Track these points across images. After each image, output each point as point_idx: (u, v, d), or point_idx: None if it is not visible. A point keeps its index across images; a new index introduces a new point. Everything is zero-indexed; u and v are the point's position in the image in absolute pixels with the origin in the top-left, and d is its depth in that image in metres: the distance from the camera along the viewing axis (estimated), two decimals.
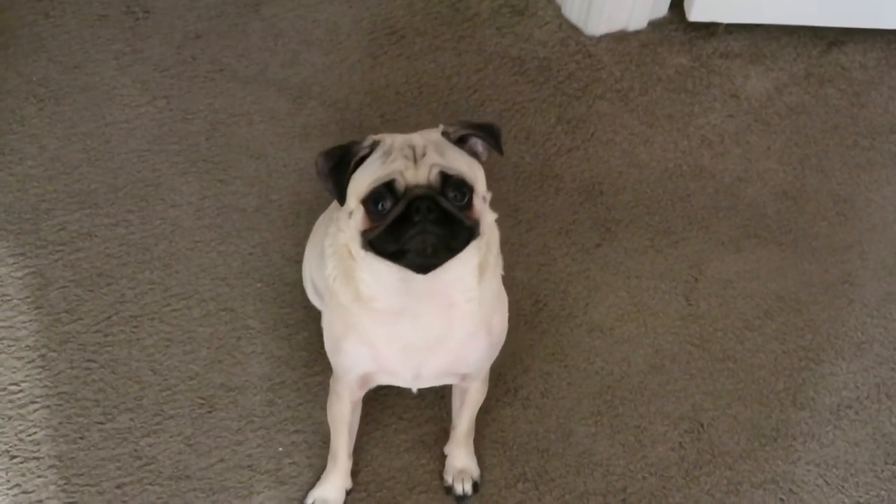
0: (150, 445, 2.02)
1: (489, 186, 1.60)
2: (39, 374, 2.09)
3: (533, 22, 2.84)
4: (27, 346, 2.13)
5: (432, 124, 2.53)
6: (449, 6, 2.85)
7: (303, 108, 2.58)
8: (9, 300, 2.19)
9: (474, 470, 2.01)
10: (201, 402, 2.08)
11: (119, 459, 2.00)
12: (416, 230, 1.49)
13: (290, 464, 2.02)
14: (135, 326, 2.17)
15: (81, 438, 2.02)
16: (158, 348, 2.15)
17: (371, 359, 1.71)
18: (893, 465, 2.11)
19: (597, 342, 2.23)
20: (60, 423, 2.03)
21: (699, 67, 2.79)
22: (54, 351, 2.13)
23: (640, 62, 2.78)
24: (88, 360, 2.12)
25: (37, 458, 1.99)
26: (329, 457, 1.96)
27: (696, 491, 2.04)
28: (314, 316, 2.10)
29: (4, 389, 2.07)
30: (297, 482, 2.00)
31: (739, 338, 2.27)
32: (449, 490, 2.00)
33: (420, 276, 1.54)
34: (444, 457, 2.03)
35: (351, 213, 1.56)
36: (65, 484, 1.96)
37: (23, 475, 1.97)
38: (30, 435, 2.02)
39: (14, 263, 2.24)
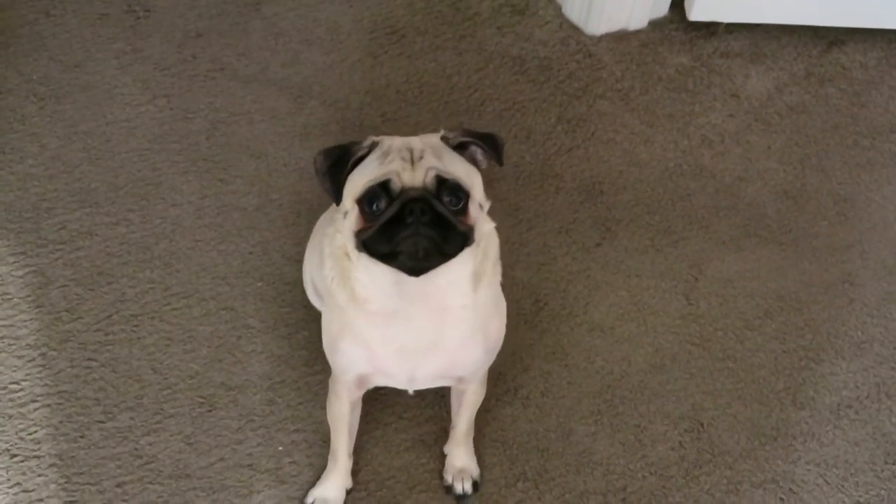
0: (150, 444, 2.02)
1: (489, 186, 1.60)
2: (40, 372, 2.09)
3: (533, 21, 2.84)
4: (28, 344, 2.13)
5: (433, 124, 2.56)
6: (449, 5, 2.85)
7: (303, 107, 2.59)
8: (9, 299, 2.19)
9: (474, 469, 2.01)
10: (201, 400, 2.08)
11: (119, 458, 2.00)
12: (409, 232, 1.49)
13: (290, 463, 2.02)
14: (135, 325, 2.17)
15: (82, 437, 2.02)
16: (159, 347, 2.15)
17: (366, 360, 1.71)
18: (893, 464, 2.11)
19: (597, 341, 2.24)
20: (61, 421, 2.04)
21: (699, 67, 2.79)
22: (55, 350, 2.13)
23: (640, 62, 2.78)
24: (89, 359, 2.12)
25: (37, 457, 1.99)
26: (329, 456, 1.96)
27: (695, 490, 2.04)
28: (314, 315, 2.10)
29: (5, 388, 2.07)
30: (297, 481, 2.00)
31: (739, 337, 2.27)
32: (449, 489, 2.00)
33: (413, 279, 1.55)
34: (443, 456, 2.03)
35: (346, 213, 1.56)
36: (65, 482, 1.96)
37: (23, 474, 1.97)
38: (30, 433, 2.02)
39: (15, 262, 2.25)
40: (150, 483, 1.97)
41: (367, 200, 1.52)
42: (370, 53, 2.72)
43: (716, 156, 2.60)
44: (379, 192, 1.51)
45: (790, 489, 2.06)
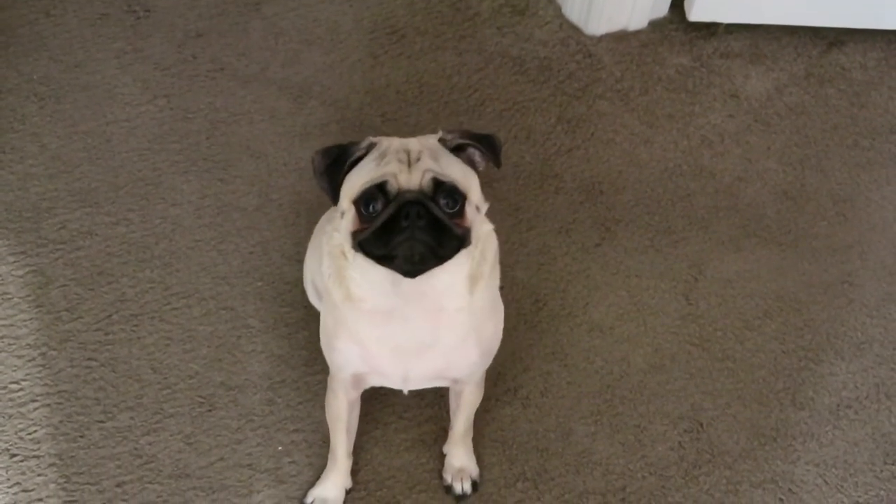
0: (150, 444, 2.02)
1: (489, 186, 1.61)
2: (40, 372, 2.09)
3: (533, 22, 2.84)
4: (28, 344, 2.13)
5: (433, 124, 2.56)
6: (450, 6, 2.86)
7: (303, 107, 2.59)
8: (9, 298, 2.19)
9: (473, 469, 2.01)
10: (201, 400, 2.08)
11: (119, 458, 2.00)
12: (405, 236, 1.49)
13: (289, 462, 2.02)
14: (135, 325, 2.18)
15: (81, 437, 2.02)
16: (158, 347, 2.15)
17: (361, 358, 1.71)
18: (892, 464, 2.11)
19: (596, 341, 2.24)
20: (61, 421, 2.04)
21: (699, 67, 2.79)
22: (55, 349, 2.13)
23: (640, 62, 2.78)
24: (89, 359, 2.12)
25: (37, 457, 1.99)
26: (329, 455, 1.96)
27: (695, 490, 2.04)
28: (314, 315, 2.10)
29: (5, 388, 2.07)
30: (296, 481, 2.00)
31: (739, 337, 2.27)
32: (448, 489, 2.00)
33: (408, 280, 1.55)
34: (443, 456, 2.03)
35: (343, 214, 1.56)
36: (65, 482, 1.96)
37: (23, 473, 1.97)
38: (30, 433, 2.02)
39: (15, 262, 2.25)
40: (150, 483, 1.97)
41: (363, 201, 1.52)
42: (370, 53, 2.72)
43: (715, 156, 2.60)
44: (375, 193, 1.51)
45: (789, 489, 2.06)
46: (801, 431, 2.14)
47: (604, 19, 2.80)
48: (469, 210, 1.55)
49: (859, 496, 2.06)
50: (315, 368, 2.13)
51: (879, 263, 2.43)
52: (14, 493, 1.94)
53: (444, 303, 1.62)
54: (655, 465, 2.07)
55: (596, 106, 2.67)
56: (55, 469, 1.98)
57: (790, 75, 2.80)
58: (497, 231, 1.71)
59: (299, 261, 2.19)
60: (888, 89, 2.79)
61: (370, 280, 1.60)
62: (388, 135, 1.62)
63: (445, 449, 2.03)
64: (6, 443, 2.00)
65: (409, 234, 1.48)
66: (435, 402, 2.11)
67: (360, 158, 1.57)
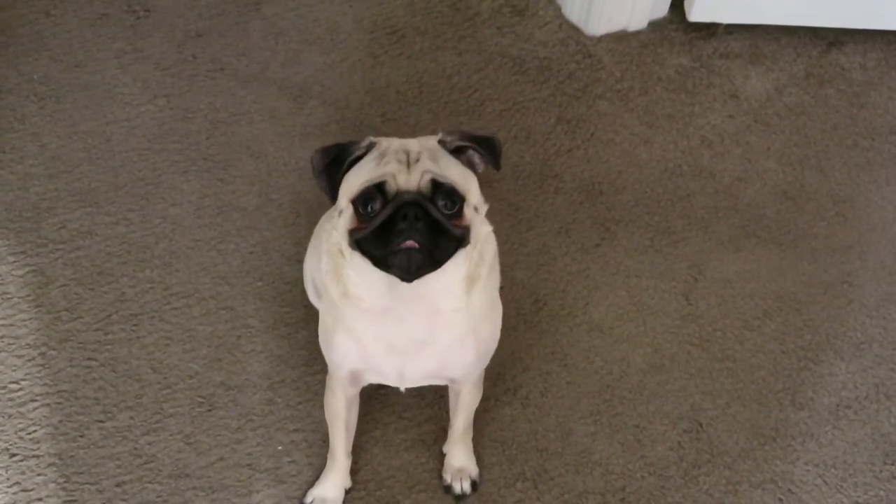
0: (149, 444, 2.02)
1: (489, 186, 1.61)
2: (39, 372, 2.10)
3: (533, 22, 2.85)
4: (27, 344, 2.13)
5: (433, 124, 2.56)
6: (450, 6, 2.86)
7: (303, 107, 2.59)
8: (9, 298, 2.19)
9: (473, 469, 2.02)
10: (201, 400, 2.09)
11: (119, 458, 2.00)
12: (402, 238, 1.49)
13: (289, 462, 2.02)
14: (135, 325, 2.18)
15: (81, 436, 2.02)
16: (158, 347, 2.15)
17: (358, 355, 1.71)
18: (892, 465, 2.11)
19: (596, 341, 2.24)
20: (60, 421, 2.04)
21: (699, 68, 2.79)
22: (54, 349, 2.13)
23: (640, 62, 2.78)
24: (88, 359, 2.12)
25: (36, 457, 1.99)
26: (328, 455, 1.96)
27: (694, 490, 2.04)
28: (314, 315, 2.10)
29: (4, 387, 2.07)
30: (296, 481, 2.00)
31: (739, 338, 2.27)
32: (448, 489, 2.00)
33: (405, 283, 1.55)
34: (443, 456, 2.03)
35: (341, 212, 1.57)
36: (64, 482, 1.97)
37: (22, 473, 1.97)
38: (29, 433, 2.02)
39: (15, 261, 2.25)
40: (150, 482, 1.97)
41: (362, 201, 1.52)
42: (370, 53, 2.72)
43: (715, 156, 2.60)
44: (374, 193, 1.51)
45: (789, 489, 2.06)
46: (800, 431, 2.14)
47: (604, 20, 2.80)
48: (468, 211, 1.55)
49: (859, 496, 2.06)
50: (315, 368, 2.13)
51: (879, 264, 2.43)
52: (14, 493, 1.94)
53: (440, 304, 1.63)
54: (655, 465, 2.07)
55: (596, 106, 2.67)
56: (55, 469, 1.98)
57: (790, 75, 2.80)
58: (496, 231, 1.71)
59: (299, 261, 2.19)
60: (888, 89, 2.79)
61: (366, 280, 1.60)
62: (388, 135, 1.62)
63: (445, 449, 2.03)
64: (6, 442, 2.00)
65: (407, 235, 1.49)
66: (434, 401, 2.11)
67: (359, 158, 1.57)
